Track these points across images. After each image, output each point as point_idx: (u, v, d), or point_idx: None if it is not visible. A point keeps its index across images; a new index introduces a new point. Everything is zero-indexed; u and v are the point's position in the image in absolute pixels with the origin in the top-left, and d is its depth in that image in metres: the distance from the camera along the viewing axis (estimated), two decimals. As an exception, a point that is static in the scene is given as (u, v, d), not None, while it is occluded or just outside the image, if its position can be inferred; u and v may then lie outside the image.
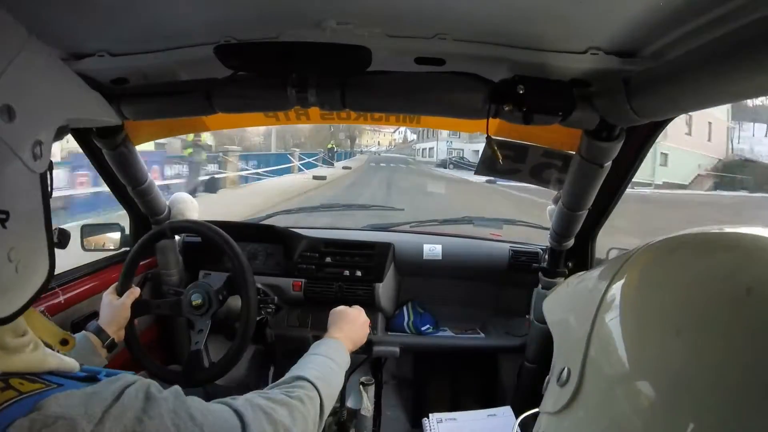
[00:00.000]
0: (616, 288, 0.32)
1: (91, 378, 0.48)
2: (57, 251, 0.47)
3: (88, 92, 0.57)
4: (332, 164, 19.71)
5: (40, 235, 0.43)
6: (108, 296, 1.04)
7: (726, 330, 0.26)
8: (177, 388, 0.50)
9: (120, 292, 1.05)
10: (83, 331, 0.94)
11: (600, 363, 0.30)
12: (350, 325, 0.90)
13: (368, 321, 0.95)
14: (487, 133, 0.82)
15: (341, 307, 0.95)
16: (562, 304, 0.39)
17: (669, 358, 0.27)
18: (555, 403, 0.33)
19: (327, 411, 0.68)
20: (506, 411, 1.05)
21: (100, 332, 0.95)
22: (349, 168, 19.35)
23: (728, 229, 0.32)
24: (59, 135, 0.48)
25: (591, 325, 0.32)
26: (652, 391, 0.26)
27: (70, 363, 0.48)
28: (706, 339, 0.26)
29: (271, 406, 0.57)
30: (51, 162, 0.47)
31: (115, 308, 1.01)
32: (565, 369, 0.32)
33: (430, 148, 36.31)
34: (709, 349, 0.26)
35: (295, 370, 0.70)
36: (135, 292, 1.06)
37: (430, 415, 1.04)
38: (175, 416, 0.46)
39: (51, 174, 0.47)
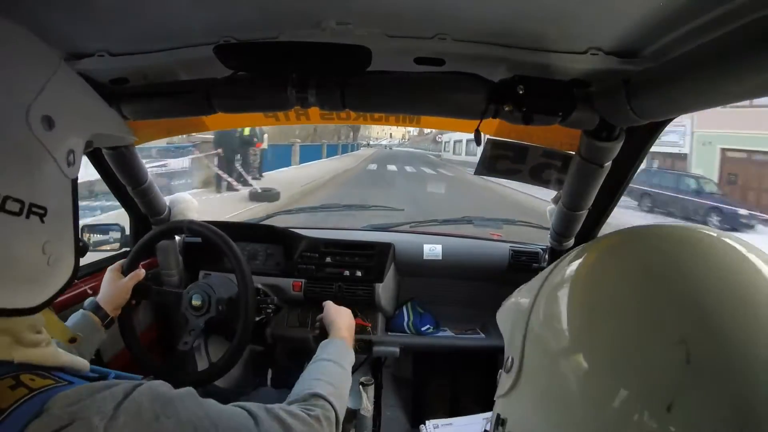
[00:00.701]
0: (550, 279, 0.38)
1: (101, 378, 0.48)
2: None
3: (108, 110, 0.63)
4: (240, 181, 8.19)
5: (69, 235, 0.47)
6: (111, 273, 1.02)
7: (636, 309, 0.31)
8: (191, 389, 0.51)
9: (125, 272, 1.04)
10: (81, 310, 0.94)
11: (535, 344, 0.36)
12: (343, 319, 0.93)
13: (354, 323, 0.97)
14: (477, 130, 0.82)
15: (330, 306, 0.97)
16: (507, 307, 0.44)
17: (593, 332, 0.32)
18: (503, 387, 0.38)
19: (341, 421, 0.68)
20: None
21: (97, 309, 0.95)
22: (273, 198, 7.55)
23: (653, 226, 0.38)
24: (86, 148, 0.53)
25: (528, 314, 0.37)
26: (583, 363, 0.31)
27: (80, 362, 0.49)
28: (619, 315, 0.32)
29: (289, 420, 0.57)
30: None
31: (117, 288, 1.00)
32: (509, 358, 0.38)
33: (468, 141, 20.28)
34: (621, 324, 0.31)
35: (309, 383, 0.69)
36: (140, 274, 1.04)
37: (427, 422, 1.04)
38: (192, 415, 0.47)
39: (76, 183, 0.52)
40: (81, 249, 0.62)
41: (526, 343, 0.36)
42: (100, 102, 0.58)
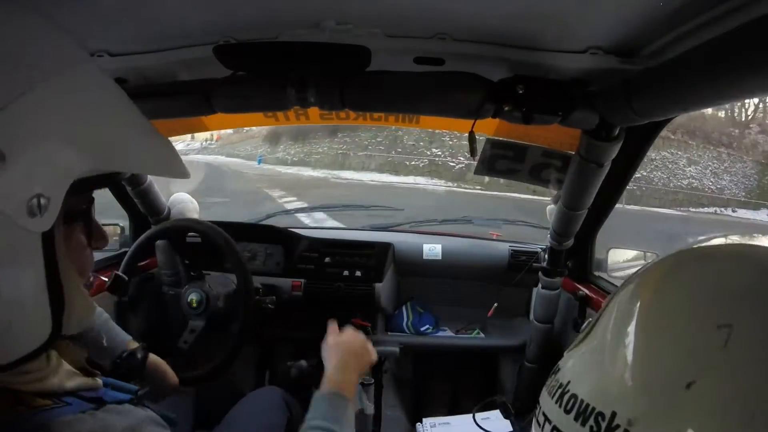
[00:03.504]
0: (635, 280, 0.41)
1: (96, 397, 0.48)
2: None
3: (144, 139, 0.45)
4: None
5: (36, 296, 0.37)
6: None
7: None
8: None
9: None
10: None
11: (608, 319, 0.40)
12: (349, 356, 0.78)
13: (366, 340, 0.84)
14: (471, 130, 0.80)
15: (333, 339, 0.80)
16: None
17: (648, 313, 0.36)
18: (572, 343, 0.43)
19: None
20: (498, 414, 1.05)
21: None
22: None
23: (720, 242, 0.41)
24: (92, 185, 0.41)
25: (613, 295, 0.42)
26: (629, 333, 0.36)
27: (90, 385, 0.48)
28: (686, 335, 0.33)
29: None
30: (90, 209, 0.42)
31: None
32: (588, 321, 0.43)
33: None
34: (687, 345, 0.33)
35: None
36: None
37: (424, 420, 1.04)
38: None
39: (90, 224, 0.43)
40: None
41: (602, 315, 0.41)
42: (132, 126, 0.44)
